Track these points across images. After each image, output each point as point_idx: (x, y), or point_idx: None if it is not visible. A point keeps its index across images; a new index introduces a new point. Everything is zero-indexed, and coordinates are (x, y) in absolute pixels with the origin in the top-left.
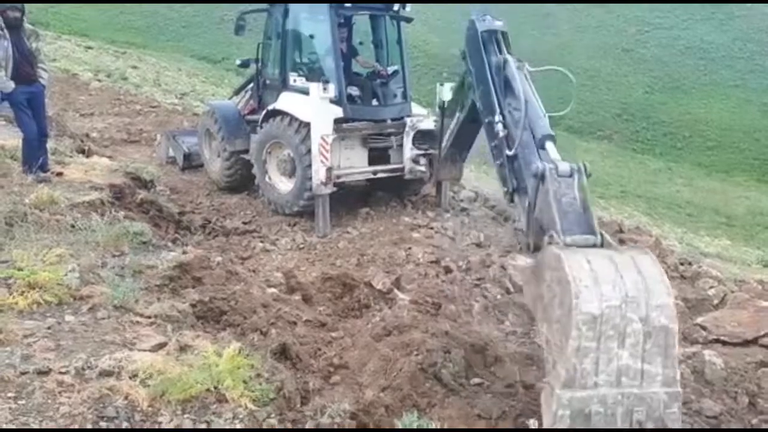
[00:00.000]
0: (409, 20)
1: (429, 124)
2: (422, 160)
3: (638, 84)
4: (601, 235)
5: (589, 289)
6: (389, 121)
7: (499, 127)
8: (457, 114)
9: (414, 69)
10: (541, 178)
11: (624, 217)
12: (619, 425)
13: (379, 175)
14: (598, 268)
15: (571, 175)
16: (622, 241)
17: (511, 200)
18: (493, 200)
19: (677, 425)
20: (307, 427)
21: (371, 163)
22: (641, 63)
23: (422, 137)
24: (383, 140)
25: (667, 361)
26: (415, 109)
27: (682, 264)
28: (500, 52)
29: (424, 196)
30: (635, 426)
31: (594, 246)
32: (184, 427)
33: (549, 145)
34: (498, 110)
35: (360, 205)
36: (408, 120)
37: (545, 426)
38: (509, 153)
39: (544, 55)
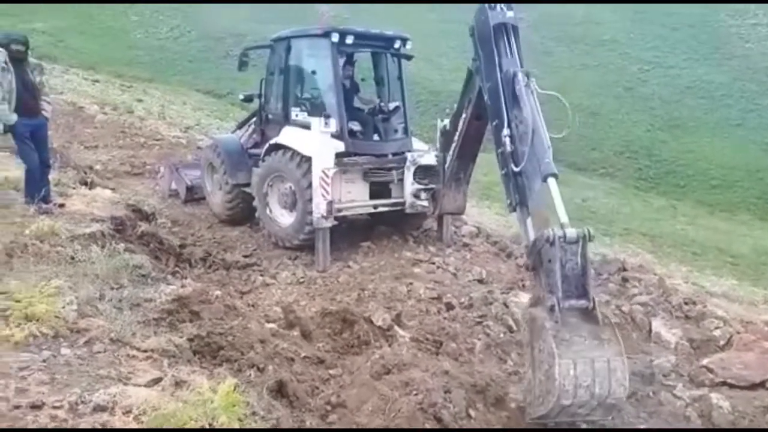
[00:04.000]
0: (409, 58)
1: (430, 159)
2: (423, 195)
3: (640, 122)
4: (593, 300)
5: (568, 392)
6: (390, 156)
7: (507, 140)
8: (463, 115)
9: (416, 105)
10: (551, 244)
11: (628, 255)
12: None
13: (380, 209)
14: (579, 375)
15: (576, 242)
16: (625, 279)
17: (513, 210)
18: (496, 236)
19: None
20: None
21: (372, 197)
22: (642, 101)
23: (423, 172)
24: (384, 174)
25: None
26: (417, 144)
27: (686, 303)
28: (511, 52)
29: (426, 230)
30: None
31: (586, 309)
32: None
33: (551, 181)
34: (506, 122)
35: (361, 239)
36: (409, 155)
37: None
38: (515, 169)
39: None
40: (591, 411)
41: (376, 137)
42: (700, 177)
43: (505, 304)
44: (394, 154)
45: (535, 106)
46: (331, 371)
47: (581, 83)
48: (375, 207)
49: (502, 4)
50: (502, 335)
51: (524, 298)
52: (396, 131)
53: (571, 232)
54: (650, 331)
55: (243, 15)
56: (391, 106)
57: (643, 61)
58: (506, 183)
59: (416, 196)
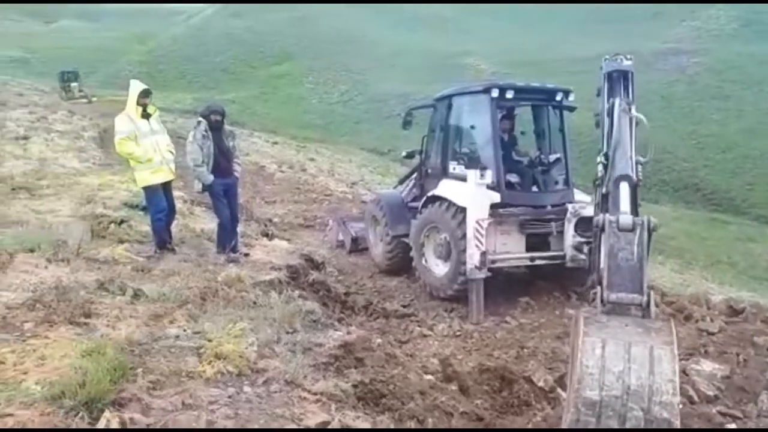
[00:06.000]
0: (572, 109)
1: (592, 210)
2: (585, 248)
3: None
4: (648, 295)
5: (592, 377)
6: (549, 207)
7: (600, 167)
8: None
9: (578, 156)
10: (600, 230)
11: None
12: None
13: (538, 262)
14: (608, 356)
15: (632, 230)
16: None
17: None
18: (671, 296)
19: None
20: None
21: (529, 249)
22: None
23: (585, 224)
24: (543, 226)
25: None
26: (578, 195)
27: None
28: (627, 93)
29: (591, 287)
30: None
31: (639, 305)
32: None
33: (623, 185)
34: (603, 150)
35: (519, 294)
36: (570, 206)
37: None
38: (603, 191)
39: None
40: (631, 420)
41: (534, 189)
42: None
43: (685, 372)
44: (553, 206)
45: (625, 125)
46: None
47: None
48: (532, 260)
49: (623, 55)
50: (680, 406)
51: (707, 365)
52: (556, 183)
53: (626, 218)
54: None
55: (405, 77)
56: (552, 157)
57: None
58: (596, 207)
59: (578, 249)
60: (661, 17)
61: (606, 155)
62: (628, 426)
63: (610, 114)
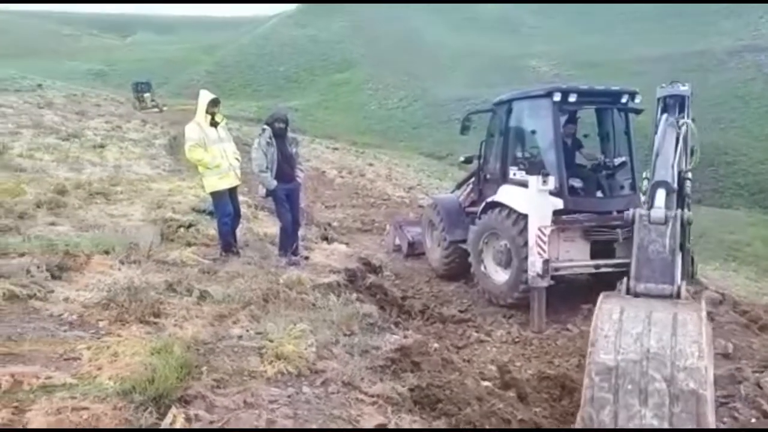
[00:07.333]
0: (638, 111)
1: None
2: None
3: None
4: (680, 287)
5: (608, 339)
6: (614, 213)
7: (645, 183)
8: None
9: (645, 159)
10: (631, 223)
11: None
12: None
13: (603, 270)
14: (626, 319)
15: (665, 222)
16: None
17: None
18: (745, 305)
19: None
20: None
21: (594, 256)
22: None
23: None
24: (608, 233)
25: None
26: None
27: None
28: (676, 112)
29: None
30: None
31: (670, 296)
32: None
33: (659, 191)
34: (651, 169)
35: (581, 302)
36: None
37: None
38: (643, 200)
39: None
40: (653, 396)
41: (599, 194)
42: None
43: (759, 385)
44: (619, 212)
45: (670, 136)
46: None
47: None
48: (597, 267)
49: (679, 82)
50: (754, 420)
51: None
52: (622, 187)
53: (658, 212)
54: None
55: (464, 81)
56: (617, 161)
57: None
58: None
59: None
60: (737, 13)
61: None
62: (650, 403)
63: (657, 129)
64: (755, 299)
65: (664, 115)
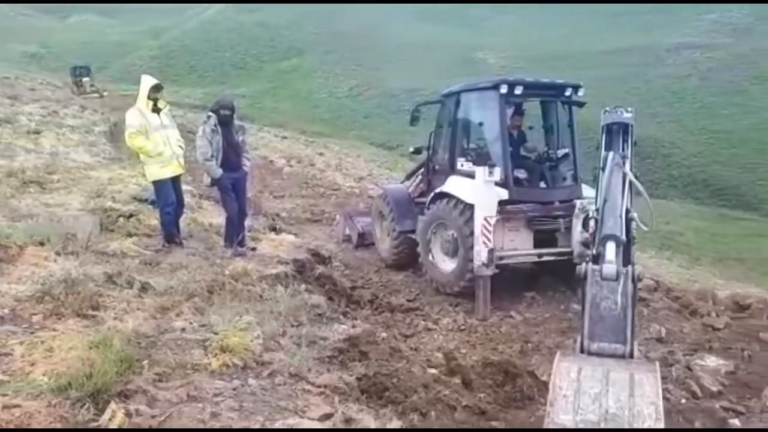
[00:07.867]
0: (581, 104)
1: None
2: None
3: None
4: (633, 346)
5: (566, 399)
6: (557, 204)
7: (592, 222)
8: None
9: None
10: (583, 279)
11: None
12: None
13: (545, 259)
14: (584, 378)
15: (616, 279)
16: None
17: None
18: (677, 291)
19: None
20: None
21: (537, 245)
22: None
23: None
24: (551, 223)
25: None
26: (587, 191)
27: None
28: (625, 146)
29: None
30: None
31: (622, 356)
32: None
33: (609, 245)
34: (596, 205)
35: (524, 289)
36: (578, 202)
37: None
38: (593, 252)
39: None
40: None
41: (542, 185)
42: None
43: (689, 367)
44: (561, 202)
45: (617, 181)
46: (493, 423)
47: None
48: (539, 256)
49: (622, 108)
50: (684, 401)
51: (711, 361)
52: (564, 179)
53: (610, 268)
54: None
55: (416, 72)
56: (560, 153)
57: None
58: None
59: (585, 245)
60: (677, 10)
61: (598, 210)
62: None
63: (603, 168)
64: (687, 286)
65: (610, 154)
